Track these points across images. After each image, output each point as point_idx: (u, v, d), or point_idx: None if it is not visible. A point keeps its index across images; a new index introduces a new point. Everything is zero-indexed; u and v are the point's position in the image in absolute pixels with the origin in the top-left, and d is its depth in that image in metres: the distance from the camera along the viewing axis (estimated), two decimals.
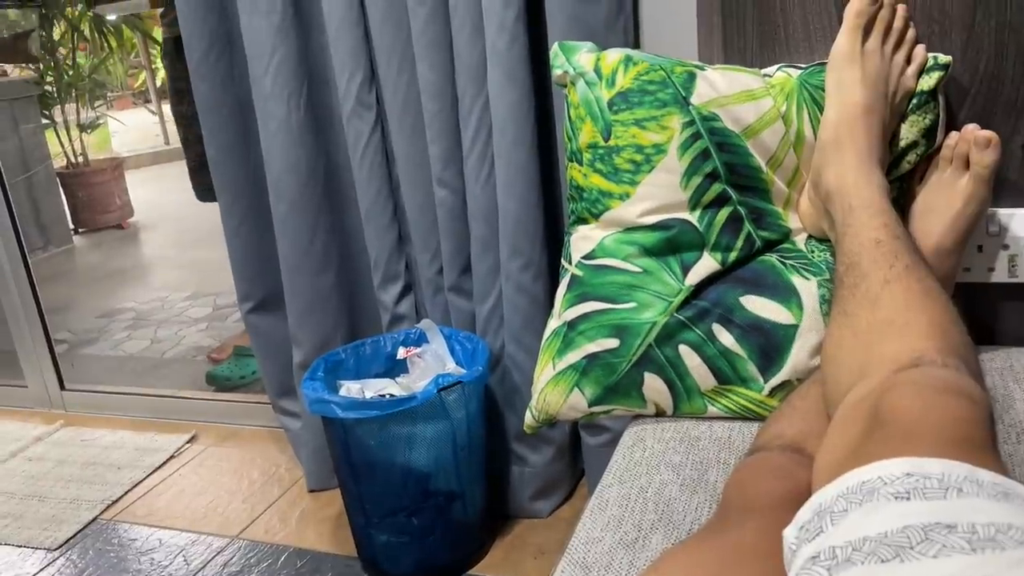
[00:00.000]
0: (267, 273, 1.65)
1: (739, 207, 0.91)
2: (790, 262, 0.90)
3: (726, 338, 0.87)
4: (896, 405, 0.55)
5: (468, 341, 1.48)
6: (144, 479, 1.81)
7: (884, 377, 0.60)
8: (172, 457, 1.89)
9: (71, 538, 1.63)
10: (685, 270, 0.89)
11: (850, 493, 0.49)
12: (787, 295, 0.88)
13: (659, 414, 0.92)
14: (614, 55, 0.93)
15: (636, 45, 1.24)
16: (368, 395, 1.47)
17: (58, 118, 4.20)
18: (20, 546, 1.61)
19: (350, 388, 1.48)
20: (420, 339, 1.53)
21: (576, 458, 1.56)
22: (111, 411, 2.15)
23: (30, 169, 3.80)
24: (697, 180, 0.89)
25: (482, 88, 1.30)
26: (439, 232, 1.45)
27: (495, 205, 1.35)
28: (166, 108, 6.62)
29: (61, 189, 4.08)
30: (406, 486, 1.41)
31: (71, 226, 4.17)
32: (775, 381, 0.87)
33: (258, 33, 1.41)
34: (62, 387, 2.22)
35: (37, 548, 1.60)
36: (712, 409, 0.90)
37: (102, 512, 1.70)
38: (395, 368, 1.54)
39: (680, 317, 0.88)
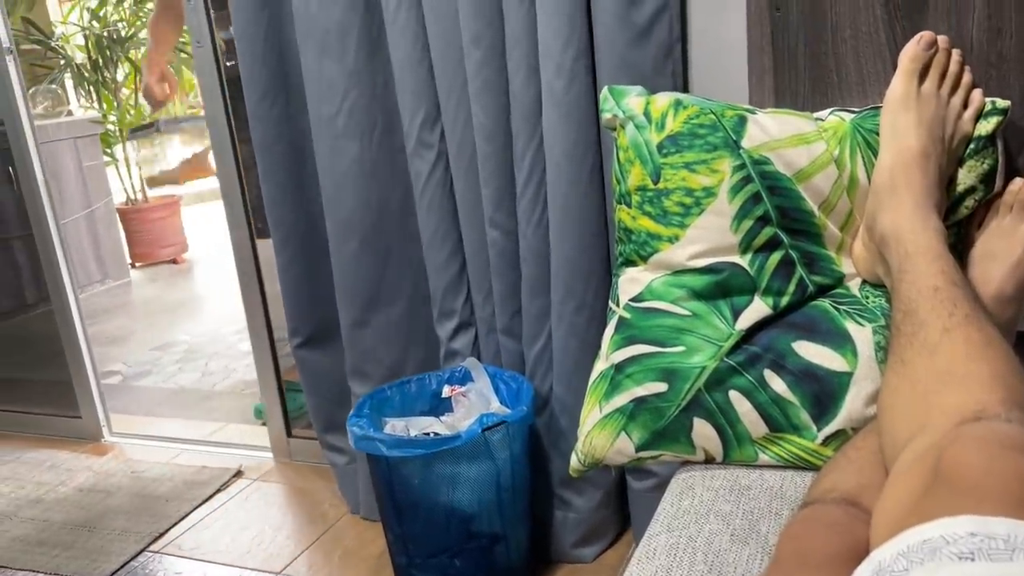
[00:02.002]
0: (317, 309, 1.68)
1: (791, 251, 0.89)
2: (844, 308, 0.88)
3: (778, 384, 0.86)
4: (959, 460, 0.53)
5: (513, 381, 1.47)
6: (191, 512, 1.83)
7: (945, 430, 0.58)
8: (219, 490, 1.91)
9: (118, 570, 1.64)
10: (736, 314, 0.88)
11: (911, 551, 0.48)
12: (841, 342, 0.86)
13: (708, 461, 0.90)
14: (664, 99, 0.94)
15: (684, 89, 1.25)
16: (413, 433, 1.47)
17: (119, 156, 4.35)
18: None
19: (395, 426, 1.48)
20: (465, 378, 1.53)
21: (622, 503, 1.53)
22: (161, 443, 2.19)
23: (91, 205, 3.93)
24: (748, 224, 0.89)
25: (536, 129, 1.31)
26: (491, 273, 1.46)
27: (547, 247, 1.36)
28: None
29: (120, 224, 4.21)
30: (449, 527, 1.40)
31: (128, 260, 4.28)
32: (829, 430, 0.85)
33: (329, 76, 1.45)
34: (112, 419, 2.27)
35: None
36: (763, 457, 0.88)
37: (149, 544, 1.72)
38: (440, 406, 1.54)
39: (730, 362, 0.87)
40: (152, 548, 1.71)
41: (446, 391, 1.53)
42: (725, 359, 0.87)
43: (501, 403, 1.48)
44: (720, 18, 1.18)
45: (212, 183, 6.33)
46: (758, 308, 0.88)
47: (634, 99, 0.95)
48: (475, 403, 1.48)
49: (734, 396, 0.86)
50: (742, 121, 0.90)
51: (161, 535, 1.75)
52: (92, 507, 1.88)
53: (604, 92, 0.97)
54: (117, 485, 1.98)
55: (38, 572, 1.65)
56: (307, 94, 1.51)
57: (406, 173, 1.51)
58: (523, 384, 1.44)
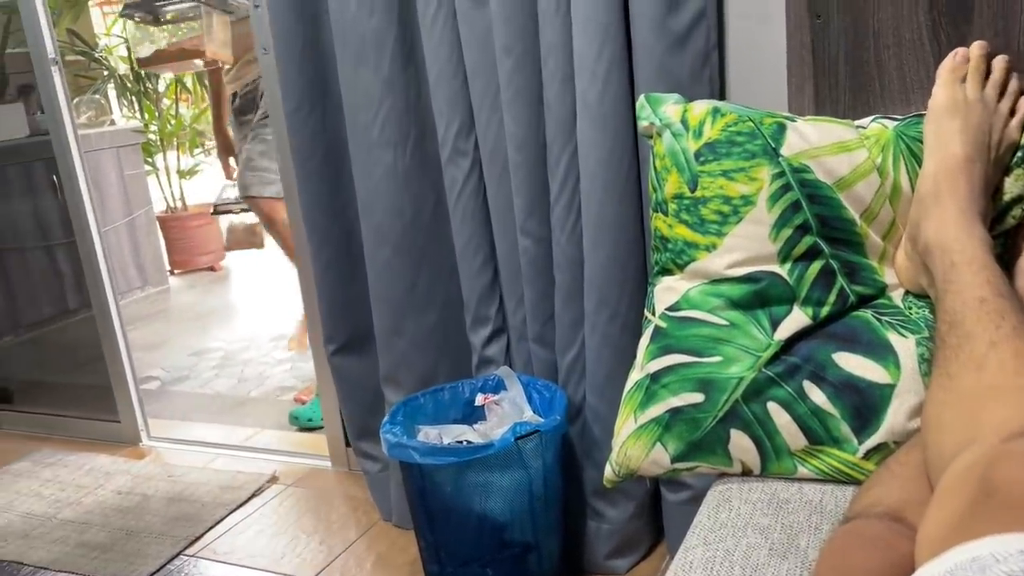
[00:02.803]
0: (352, 316, 1.69)
1: (831, 260, 0.88)
2: (886, 319, 0.86)
3: (818, 396, 0.84)
4: (1007, 476, 0.52)
5: (546, 390, 1.46)
6: (226, 516, 1.85)
7: (992, 445, 0.56)
8: (253, 495, 1.93)
9: (154, 573, 1.66)
10: (774, 324, 0.87)
11: (959, 570, 0.46)
12: (883, 353, 0.84)
13: (746, 473, 0.89)
14: (701, 106, 0.93)
15: (721, 97, 1.24)
16: (446, 441, 1.47)
17: (159, 165, 4.43)
18: None
19: (428, 433, 1.48)
20: (498, 386, 1.53)
21: (656, 515, 1.52)
22: (197, 448, 2.22)
23: (132, 213, 4.01)
24: (787, 232, 0.87)
25: (571, 138, 1.31)
26: (523, 281, 1.45)
27: (580, 255, 1.35)
28: None
29: (160, 232, 4.28)
30: (481, 535, 1.40)
31: (167, 267, 4.36)
32: (870, 443, 0.83)
33: (366, 85, 1.46)
34: (150, 423, 2.30)
35: None
36: (802, 470, 0.86)
37: (185, 548, 1.74)
38: (473, 414, 1.54)
39: (769, 373, 0.85)
40: (188, 552, 1.73)
41: (479, 399, 1.52)
42: (763, 370, 0.86)
43: (534, 412, 1.47)
44: (758, 26, 1.17)
45: None
46: (797, 318, 0.87)
47: (671, 107, 0.94)
48: (508, 412, 1.47)
49: (772, 407, 0.85)
50: (781, 129, 0.89)
51: (197, 539, 1.77)
52: (130, 510, 1.91)
53: (640, 100, 0.97)
54: (154, 488, 2.00)
55: (76, 574, 1.68)
56: (344, 103, 1.52)
57: (439, 181, 1.52)
58: (556, 393, 1.44)
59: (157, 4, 2.04)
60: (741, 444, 0.86)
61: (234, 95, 2.43)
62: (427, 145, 1.51)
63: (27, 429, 2.48)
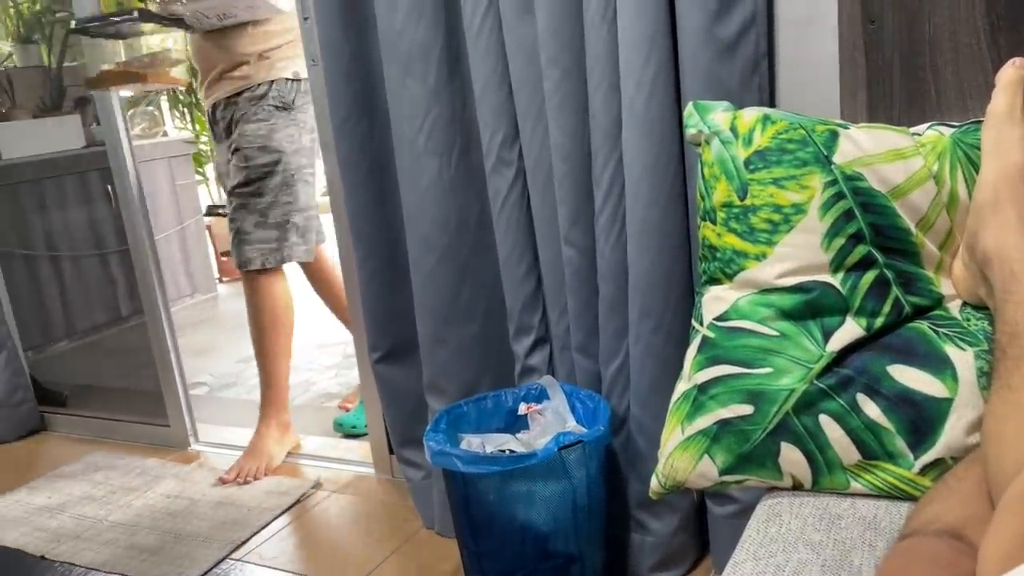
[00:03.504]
0: (396, 324, 1.70)
1: (886, 270, 0.86)
2: (943, 330, 0.84)
3: (872, 409, 0.82)
4: None
5: (590, 400, 1.46)
6: (271, 521, 1.87)
7: None
8: (298, 501, 1.95)
9: None
10: (826, 335, 0.85)
11: None
12: (940, 366, 0.82)
13: (796, 487, 0.87)
14: (751, 114, 0.92)
15: (771, 104, 1.22)
16: (489, 450, 1.47)
17: (210, 175, 4.52)
18: None
19: (471, 442, 1.48)
20: (541, 395, 1.52)
21: (701, 528, 1.49)
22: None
23: (183, 221, 4.10)
24: (840, 241, 0.85)
25: (616, 147, 1.30)
26: (566, 291, 1.45)
27: (624, 265, 1.34)
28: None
29: (209, 240, 4.37)
30: (524, 545, 1.39)
31: (216, 275, 4.44)
32: (927, 458, 0.81)
33: (412, 96, 1.47)
34: (199, 428, 2.35)
35: None
36: (855, 485, 0.84)
37: (231, 552, 1.76)
38: (516, 423, 1.53)
39: (821, 385, 0.84)
40: (234, 556, 1.75)
41: (522, 408, 1.52)
42: (815, 382, 0.84)
43: (577, 422, 1.46)
44: (809, 32, 1.15)
45: None
46: (851, 329, 0.85)
47: (720, 114, 0.93)
48: (551, 421, 1.47)
49: (824, 420, 0.83)
50: (834, 136, 0.88)
51: (243, 543, 1.79)
52: (178, 513, 1.94)
53: (689, 107, 0.96)
54: (202, 492, 2.03)
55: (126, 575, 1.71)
56: (390, 113, 1.54)
57: (484, 191, 1.52)
58: (600, 403, 1.43)
59: (115, 20, 1.91)
60: (791, 457, 0.84)
61: (213, 108, 2.12)
62: (472, 155, 1.51)
63: (80, 432, 2.54)
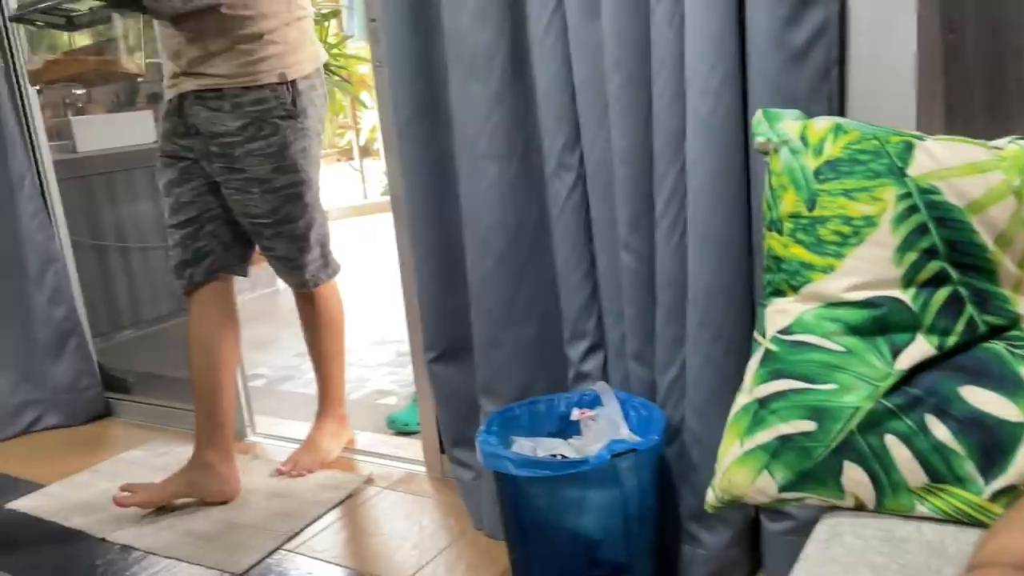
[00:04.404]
0: (452, 325, 1.71)
1: (960, 287, 0.83)
2: (1020, 351, 0.81)
3: (941, 431, 0.80)
4: None
5: (644, 408, 1.44)
6: (323, 514, 1.89)
7: None
8: (350, 496, 1.97)
9: (255, 565, 1.72)
10: (895, 353, 0.83)
11: None
12: (1015, 389, 0.79)
13: (858, 508, 0.84)
14: (822, 123, 0.90)
15: (840, 113, 1.19)
16: (540, 454, 1.46)
17: None
18: (209, 567, 1.72)
19: (523, 445, 1.48)
20: (594, 402, 1.51)
21: (754, 543, 1.47)
22: (298, 445, 2.28)
23: None
24: (912, 256, 0.83)
25: (679, 153, 1.29)
26: (623, 297, 1.44)
27: (684, 273, 1.33)
28: (367, 164, 7.11)
29: None
30: (574, 552, 1.38)
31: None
32: (998, 484, 0.78)
33: (474, 98, 1.48)
34: (256, 420, 2.39)
35: (223, 571, 1.70)
36: (921, 508, 0.81)
37: (284, 543, 1.79)
38: (567, 429, 1.53)
39: (888, 404, 0.81)
40: (287, 547, 1.78)
41: (575, 414, 1.51)
42: (881, 400, 0.81)
43: (630, 430, 1.45)
44: (883, 40, 1.12)
45: (354, 199, 6.61)
46: (921, 347, 0.82)
47: (790, 123, 0.91)
48: (604, 428, 1.46)
49: (890, 440, 0.81)
50: (908, 148, 0.85)
51: (296, 534, 1.82)
52: (234, 502, 1.98)
53: (758, 115, 0.94)
54: (257, 483, 2.07)
55: (182, 561, 1.75)
56: (453, 115, 1.55)
57: (543, 194, 1.52)
58: (654, 412, 1.41)
59: (65, 5, 1.67)
60: (855, 477, 0.82)
61: (169, 107, 1.86)
62: (532, 158, 1.51)
63: (143, 419, 2.61)
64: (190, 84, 1.78)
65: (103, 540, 1.86)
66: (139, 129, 3.33)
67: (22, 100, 2.49)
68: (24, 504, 2.08)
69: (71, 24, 1.91)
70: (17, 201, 2.50)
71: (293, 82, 1.78)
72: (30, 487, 2.17)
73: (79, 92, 3.22)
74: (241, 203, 1.84)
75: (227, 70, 1.74)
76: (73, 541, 1.88)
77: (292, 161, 1.81)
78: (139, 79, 2.08)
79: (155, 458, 2.30)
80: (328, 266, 2.04)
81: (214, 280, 1.93)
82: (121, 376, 2.78)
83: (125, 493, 1.91)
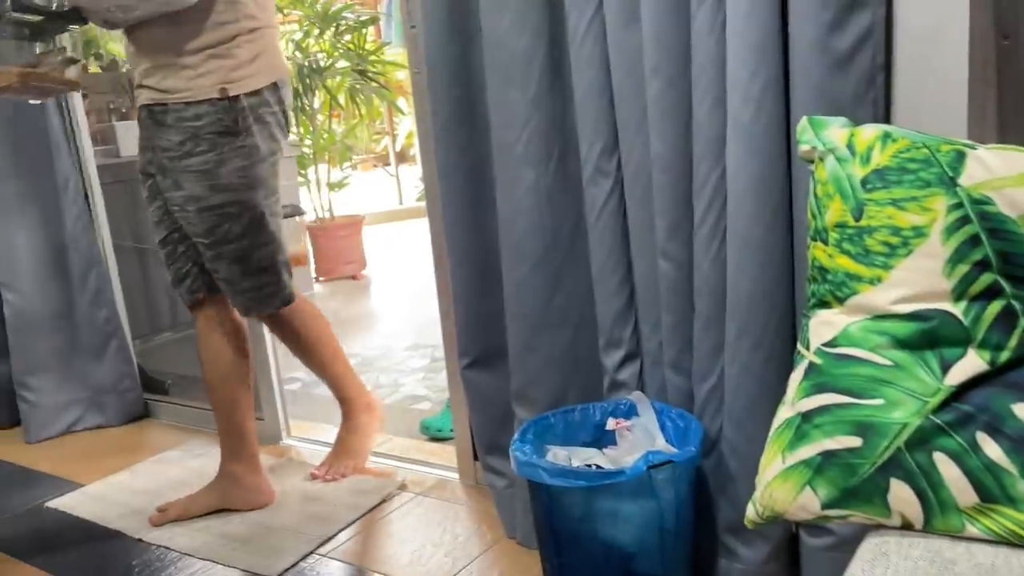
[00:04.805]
0: (486, 331, 1.70)
1: (1013, 301, 0.80)
2: None
3: (993, 450, 0.77)
4: None
5: (680, 419, 1.42)
6: (357, 519, 1.90)
7: None
8: (383, 501, 1.97)
9: (288, 569, 1.72)
10: (945, 368, 0.80)
11: None
12: None
13: (905, 527, 0.82)
14: (870, 131, 0.87)
15: (886, 121, 1.16)
16: (575, 463, 1.45)
17: (311, 177, 4.66)
18: (244, 570, 1.73)
19: (557, 454, 1.47)
20: (630, 411, 1.50)
21: (793, 559, 1.43)
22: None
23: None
24: (963, 268, 0.80)
25: (719, 160, 1.27)
26: (660, 305, 1.42)
27: (723, 281, 1.31)
28: (403, 170, 7.15)
29: (308, 240, 4.50)
30: (608, 563, 1.37)
31: (313, 275, 4.56)
32: None
33: (512, 103, 1.48)
34: (291, 423, 2.41)
35: (257, 574, 1.71)
36: (971, 529, 0.79)
37: (318, 547, 1.80)
38: (602, 438, 1.51)
39: (937, 420, 0.79)
40: (320, 551, 1.79)
41: (610, 424, 1.50)
42: (931, 417, 0.79)
43: (667, 441, 1.43)
44: (932, 46, 1.09)
45: (389, 204, 6.65)
46: (972, 363, 0.79)
47: (836, 130, 0.89)
48: (639, 439, 1.44)
49: (939, 458, 0.78)
50: (960, 157, 0.83)
51: (329, 539, 1.82)
52: (269, 506, 1.99)
53: (803, 123, 0.92)
54: (291, 486, 2.08)
55: (217, 563, 1.76)
56: (490, 120, 1.54)
57: (580, 200, 1.51)
58: (692, 423, 1.39)
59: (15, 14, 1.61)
60: (902, 495, 0.80)
61: (139, 119, 1.80)
62: (569, 164, 1.50)
63: (180, 421, 2.64)
64: (143, 97, 1.75)
65: (140, 540, 1.88)
66: None
67: (67, 105, 2.55)
68: (63, 503, 2.11)
69: (37, 34, 1.88)
70: (62, 204, 2.55)
71: (236, 98, 1.69)
72: (70, 486, 2.21)
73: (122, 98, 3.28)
74: (184, 221, 1.78)
75: (171, 84, 1.69)
76: (110, 541, 1.91)
77: (227, 180, 1.73)
78: (81, 91, 2.16)
79: (191, 459, 2.33)
80: (280, 293, 1.89)
81: (215, 294, 1.89)
82: (159, 378, 2.82)
83: (159, 513, 1.94)
